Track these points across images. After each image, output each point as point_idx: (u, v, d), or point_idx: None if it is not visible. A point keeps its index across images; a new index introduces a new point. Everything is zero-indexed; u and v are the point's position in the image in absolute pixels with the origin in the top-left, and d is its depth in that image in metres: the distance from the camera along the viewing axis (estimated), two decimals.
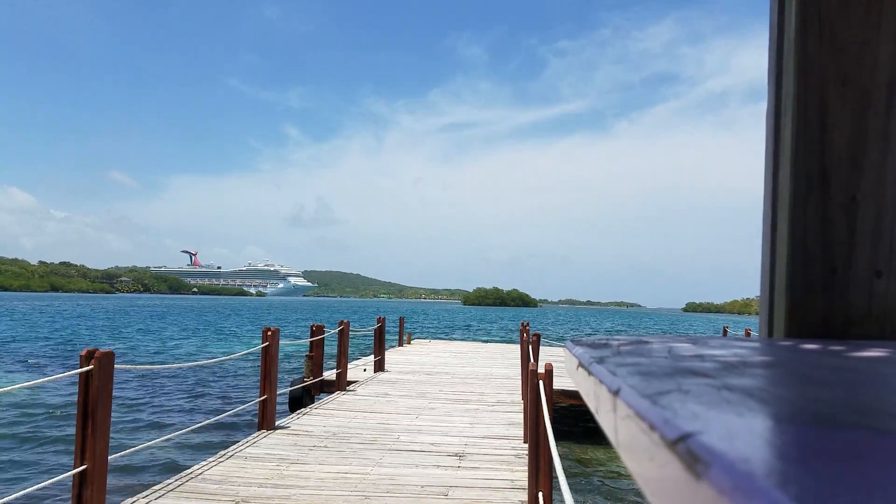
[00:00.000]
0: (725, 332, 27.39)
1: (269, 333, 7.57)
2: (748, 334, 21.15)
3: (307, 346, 10.74)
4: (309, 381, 10.44)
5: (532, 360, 8.03)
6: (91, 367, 4.46)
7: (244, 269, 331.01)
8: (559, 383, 9.87)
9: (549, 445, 4.32)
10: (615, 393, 0.43)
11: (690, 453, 0.24)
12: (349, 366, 11.90)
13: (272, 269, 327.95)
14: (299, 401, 10.58)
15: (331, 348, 11.35)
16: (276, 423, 7.65)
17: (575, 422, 11.51)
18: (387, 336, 14.16)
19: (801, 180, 0.86)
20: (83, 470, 4.37)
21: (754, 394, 0.37)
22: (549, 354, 16.57)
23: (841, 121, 0.85)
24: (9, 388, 4.97)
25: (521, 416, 8.41)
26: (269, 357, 7.56)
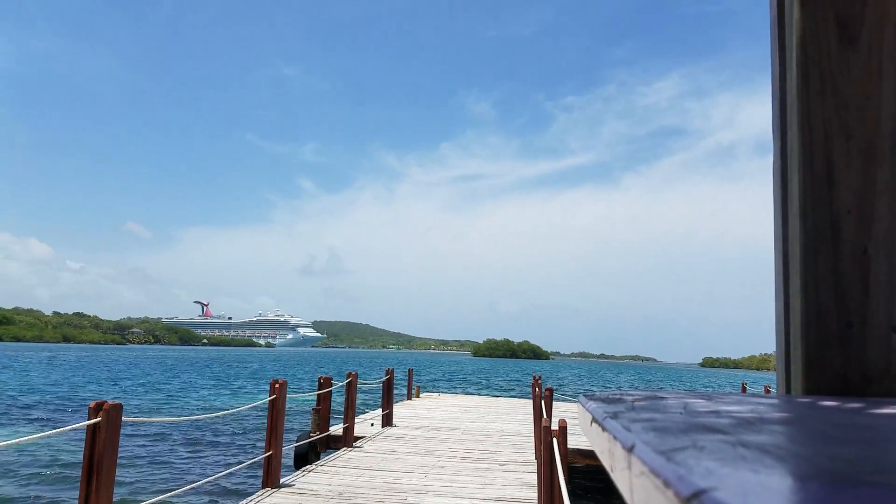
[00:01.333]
0: (744, 388, 26.78)
1: (277, 386, 7.50)
2: (767, 391, 20.68)
3: (314, 398, 10.62)
4: (315, 437, 10.27)
5: (545, 417, 7.86)
6: (99, 419, 4.42)
7: (254, 319, 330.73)
8: (574, 442, 9.63)
9: None
10: (629, 449, 0.42)
11: None
12: (356, 420, 11.72)
13: (282, 319, 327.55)
14: (305, 457, 10.38)
15: (338, 401, 11.21)
16: (281, 480, 7.49)
17: (592, 483, 11.17)
18: (395, 389, 13.98)
19: (810, 234, 0.86)
20: None
21: (770, 451, 0.36)
22: (563, 410, 16.25)
23: (847, 175, 0.86)
24: (15, 440, 4.92)
25: (535, 476, 8.19)
26: (276, 411, 7.46)
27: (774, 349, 0.98)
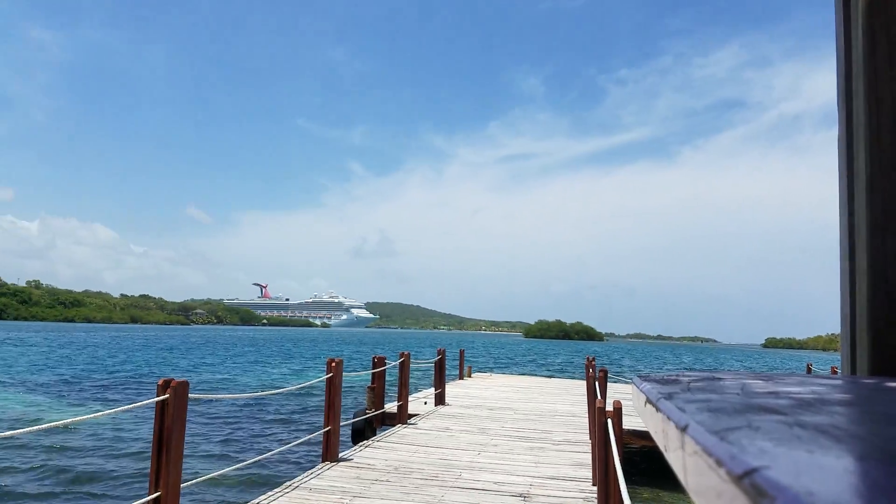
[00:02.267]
0: (809, 369, 25.88)
1: (334, 364, 7.70)
2: (834, 372, 19.89)
3: (369, 377, 10.86)
4: (371, 413, 10.51)
5: (599, 398, 7.81)
6: (167, 395, 4.64)
7: (310, 300, 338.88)
8: (629, 423, 9.52)
9: (619, 489, 4.16)
10: (683, 429, 0.42)
11: (756, 488, 0.24)
12: (410, 398, 11.91)
13: (336, 300, 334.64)
14: (361, 433, 10.65)
15: (392, 379, 11.42)
16: (340, 454, 7.71)
17: (647, 465, 11.06)
18: (447, 369, 14.12)
19: (877, 210, 0.83)
20: (157, 497, 4.52)
21: (828, 431, 0.36)
22: (617, 392, 16.09)
23: None
24: (89, 416, 5.23)
25: (589, 456, 8.17)
26: (333, 388, 7.66)
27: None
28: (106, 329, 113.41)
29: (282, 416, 17.42)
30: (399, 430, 9.87)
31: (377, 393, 10.56)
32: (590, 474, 7.18)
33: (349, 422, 10.89)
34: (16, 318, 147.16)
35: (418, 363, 14.00)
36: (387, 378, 11.02)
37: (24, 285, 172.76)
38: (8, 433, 4.16)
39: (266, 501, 5.80)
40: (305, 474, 6.92)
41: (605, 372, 11.61)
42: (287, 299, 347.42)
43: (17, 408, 17.64)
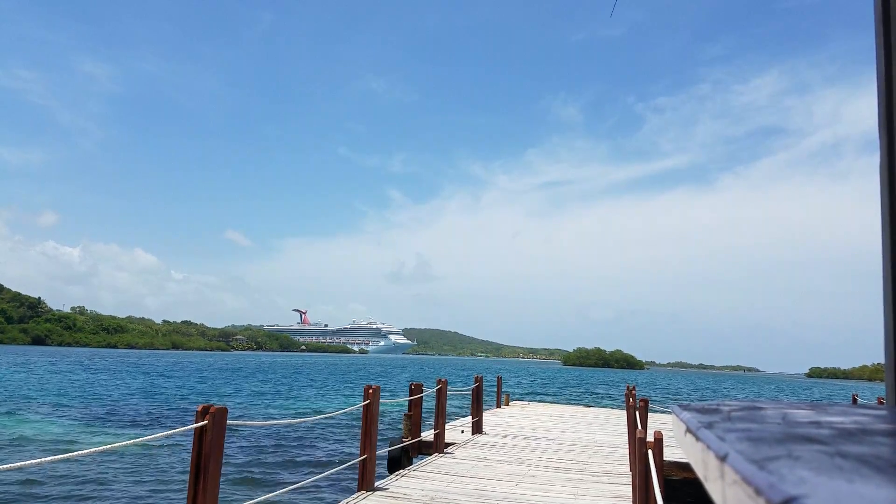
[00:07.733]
0: (855, 400, 25.01)
1: (370, 391, 7.71)
2: (881, 403, 19.07)
3: (405, 404, 10.83)
4: (407, 442, 10.45)
5: (640, 428, 7.62)
6: (206, 422, 4.72)
7: (349, 326, 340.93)
8: (671, 454, 9.27)
9: None
10: (723, 458, 0.42)
11: None
12: (446, 426, 11.82)
13: (374, 326, 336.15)
14: (398, 461, 10.59)
15: (428, 407, 11.37)
16: (376, 483, 7.68)
17: (688, 497, 10.70)
18: (484, 396, 13.99)
19: None
20: None
21: (870, 461, 0.35)
22: (658, 422, 15.70)
23: None
24: (131, 441, 5.34)
25: (629, 488, 7.96)
26: (369, 415, 7.67)
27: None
28: (150, 355, 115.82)
29: (317, 444, 17.46)
30: (435, 460, 9.79)
31: (414, 421, 10.52)
32: None
33: (385, 450, 10.85)
34: (59, 344, 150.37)
35: (455, 391, 13.91)
36: (423, 405, 10.98)
37: (69, 311, 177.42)
38: (46, 459, 4.26)
39: None
40: (341, 503, 6.90)
41: (646, 401, 11.32)
42: (326, 325, 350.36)
43: (52, 432, 18.09)
